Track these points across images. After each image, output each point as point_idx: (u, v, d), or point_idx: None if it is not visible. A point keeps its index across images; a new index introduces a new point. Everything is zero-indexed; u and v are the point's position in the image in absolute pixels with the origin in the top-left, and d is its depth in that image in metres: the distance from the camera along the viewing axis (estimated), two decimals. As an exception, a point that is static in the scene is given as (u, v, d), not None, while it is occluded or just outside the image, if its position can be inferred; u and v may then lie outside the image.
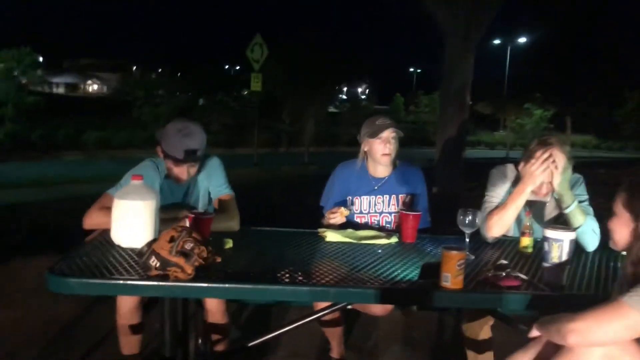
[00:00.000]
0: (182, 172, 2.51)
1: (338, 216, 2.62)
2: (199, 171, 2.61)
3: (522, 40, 31.23)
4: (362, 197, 2.83)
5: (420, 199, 2.84)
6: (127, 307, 2.46)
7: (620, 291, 1.66)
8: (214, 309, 2.56)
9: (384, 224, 2.82)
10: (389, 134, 2.75)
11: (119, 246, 2.11)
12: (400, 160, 2.90)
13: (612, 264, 2.24)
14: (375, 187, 2.83)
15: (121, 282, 1.79)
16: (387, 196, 2.81)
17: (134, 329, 2.51)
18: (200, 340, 2.68)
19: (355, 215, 2.84)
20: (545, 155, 2.36)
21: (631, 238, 1.71)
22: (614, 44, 23.34)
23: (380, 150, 2.77)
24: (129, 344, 2.55)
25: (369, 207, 2.83)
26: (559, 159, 2.36)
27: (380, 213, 2.82)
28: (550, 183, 2.38)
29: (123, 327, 2.51)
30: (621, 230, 1.75)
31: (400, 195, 2.81)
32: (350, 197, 2.85)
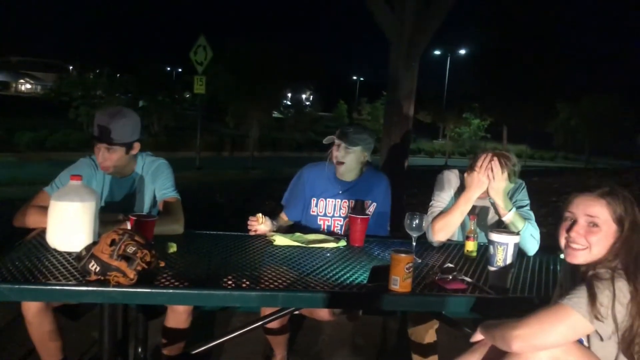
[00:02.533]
0: (99, 154, 2.43)
1: (255, 223, 2.56)
2: (144, 171, 2.52)
3: (462, 52, 32.33)
4: (327, 199, 2.83)
5: (382, 207, 2.84)
6: (32, 312, 2.24)
7: (560, 294, 1.71)
8: (180, 309, 2.38)
9: (346, 228, 2.80)
10: (337, 142, 2.77)
11: (55, 250, 2.00)
12: (369, 167, 2.92)
13: (551, 267, 2.31)
14: (340, 192, 2.83)
15: (58, 287, 1.69)
16: (352, 201, 2.80)
17: (48, 335, 2.30)
18: (140, 348, 2.58)
19: (319, 217, 2.83)
20: (487, 161, 2.43)
21: (613, 250, 1.70)
22: (547, 58, 24.52)
23: (334, 157, 2.80)
24: (47, 352, 2.35)
25: (333, 210, 2.83)
26: (497, 167, 2.42)
27: (345, 217, 2.81)
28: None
29: (35, 335, 2.29)
30: (605, 242, 1.72)
31: (366, 202, 2.81)
32: (315, 199, 2.84)
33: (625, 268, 1.64)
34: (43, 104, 28.08)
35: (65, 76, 28.14)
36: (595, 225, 1.72)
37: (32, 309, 2.25)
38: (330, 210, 2.83)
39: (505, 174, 2.45)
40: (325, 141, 2.87)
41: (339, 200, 2.82)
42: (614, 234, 1.71)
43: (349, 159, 2.77)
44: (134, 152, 2.51)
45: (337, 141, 2.78)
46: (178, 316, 2.40)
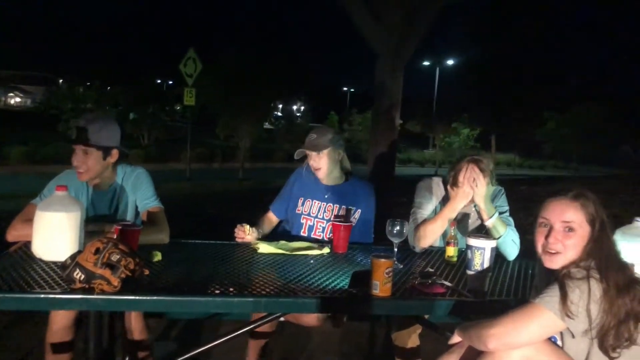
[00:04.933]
0: (76, 158, 2.43)
1: (241, 232, 2.62)
2: (125, 181, 2.55)
3: (451, 62, 32.63)
4: (313, 200, 2.90)
5: (366, 214, 2.90)
6: (60, 325, 2.34)
7: (534, 295, 1.77)
8: (133, 326, 2.47)
9: (328, 232, 2.86)
10: (309, 153, 2.85)
11: (40, 259, 2.03)
12: (354, 176, 3.00)
13: (530, 272, 2.36)
14: (326, 196, 2.89)
15: (42, 296, 1.72)
16: (337, 206, 2.87)
17: (64, 347, 2.37)
18: (127, 358, 2.60)
19: (303, 216, 2.89)
20: (469, 172, 2.50)
21: (586, 250, 1.76)
22: (536, 67, 24.80)
23: (311, 167, 2.87)
24: None
25: (318, 211, 2.89)
26: (479, 174, 2.49)
27: (328, 220, 2.87)
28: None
29: (53, 346, 2.36)
30: (579, 244, 1.78)
31: (349, 207, 2.88)
32: (302, 198, 2.91)
33: (597, 267, 1.70)
34: (33, 117, 27.98)
35: (55, 89, 28.09)
36: (571, 229, 1.78)
37: (60, 322, 2.33)
38: (314, 211, 2.89)
39: (488, 178, 2.52)
40: (296, 156, 2.94)
41: (324, 204, 2.88)
42: (587, 235, 1.77)
43: (323, 163, 2.84)
44: (111, 159, 2.51)
45: (306, 152, 2.85)
46: (132, 331, 2.48)
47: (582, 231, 1.78)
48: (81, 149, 2.44)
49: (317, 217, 2.88)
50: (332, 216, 2.85)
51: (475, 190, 2.49)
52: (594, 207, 1.78)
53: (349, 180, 2.95)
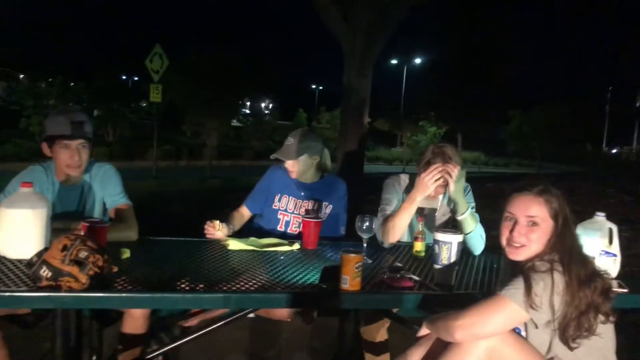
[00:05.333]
0: (73, 155, 2.40)
1: (212, 228, 2.63)
2: (92, 178, 2.52)
3: (418, 61, 33.00)
4: (290, 196, 2.94)
5: (337, 209, 2.96)
6: None
7: (500, 287, 1.82)
8: (137, 314, 2.35)
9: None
10: (282, 159, 2.88)
11: (4, 257, 1.99)
12: (330, 173, 3.08)
13: (495, 266, 2.42)
14: (302, 193, 2.94)
15: (7, 294, 1.69)
16: (313, 202, 2.92)
17: None
18: (94, 356, 2.56)
19: (280, 212, 2.93)
20: (437, 170, 2.50)
21: (549, 244, 1.82)
22: (500, 67, 25.31)
23: (286, 166, 2.91)
24: None
25: (294, 207, 2.93)
26: (454, 168, 2.51)
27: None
28: (442, 187, 2.55)
29: None
30: (542, 239, 1.84)
31: (324, 204, 2.94)
32: (279, 194, 2.94)
33: (561, 260, 1.76)
34: (-8, 113, 27.15)
35: (16, 85, 27.31)
36: (534, 224, 1.84)
37: None
38: (291, 207, 2.93)
39: (463, 172, 2.56)
40: (271, 157, 2.94)
41: (300, 200, 2.93)
42: (550, 229, 1.83)
43: (297, 167, 2.90)
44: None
45: (280, 158, 2.89)
46: (135, 321, 2.38)
47: (546, 226, 1.84)
48: (80, 143, 2.41)
49: (293, 213, 2.93)
50: (303, 212, 2.88)
51: (450, 184, 2.50)
52: (558, 203, 1.84)
53: (324, 177, 3.02)
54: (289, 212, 2.93)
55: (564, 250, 1.79)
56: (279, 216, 2.93)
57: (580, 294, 1.71)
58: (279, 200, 2.94)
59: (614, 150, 50.29)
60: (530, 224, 1.84)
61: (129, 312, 2.37)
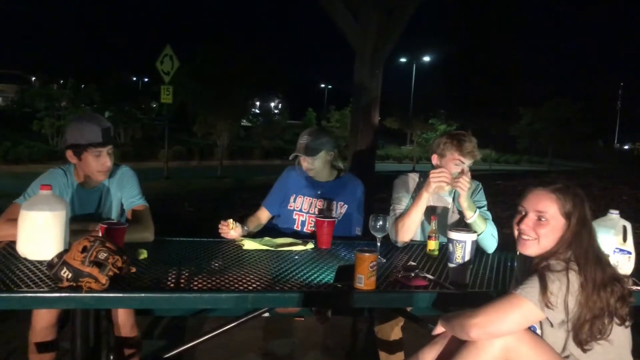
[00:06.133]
0: (105, 160, 2.47)
1: (226, 228, 2.64)
2: (110, 181, 2.56)
3: (427, 59, 32.89)
4: (305, 197, 2.97)
5: (352, 209, 2.97)
6: (43, 324, 2.35)
7: (515, 286, 1.82)
8: (123, 322, 2.49)
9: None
10: (302, 157, 2.92)
11: (25, 259, 2.02)
12: (348, 173, 3.11)
13: (509, 264, 2.43)
14: (318, 192, 2.97)
15: (30, 295, 1.72)
16: (324, 201, 2.95)
17: (48, 346, 2.39)
18: (112, 356, 2.60)
19: (295, 212, 2.96)
20: (445, 174, 2.54)
21: (561, 242, 1.83)
22: (510, 65, 25.17)
23: (303, 167, 2.95)
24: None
25: (309, 207, 2.96)
26: (466, 179, 2.51)
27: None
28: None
29: (37, 346, 2.37)
30: (553, 235, 1.84)
31: (340, 203, 2.96)
32: (294, 195, 2.97)
33: (577, 260, 1.76)
34: (4, 116, 27.40)
35: (28, 88, 27.54)
36: (543, 219, 1.85)
37: (43, 321, 2.35)
38: (306, 207, 2.96)
39: (473, 184, 2.59)
40: (290, 158, 3.00)
41: (315, 200, 2.96)
42: (562, 227, 1.84)
43: (316, 165, 2.93)
44: None
45: (300, 156, 2.92)
46: (122, 328, 2.50)
47: (556, 223, 1.84)
48: (110, 149, 2.49)
49: (308, 212, 2.95)
50: (337, 217, 2.89)
51: (461, 195, 2.53)
52: (573, 202, 1.84)
53: (340, 177, 3.05)
54: (304, 212, 2.96)
55: (580, 251, 1.79)
56: (294, 216, 2.96)
57: (594, 297, 1.70)
58: (294, 200, 2.97)
59: (626, 147, 49.87)
60: (539, 218, 1.85)
61: (116, 320, 2.50)
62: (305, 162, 2.93)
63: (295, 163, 3.02)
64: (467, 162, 2.63)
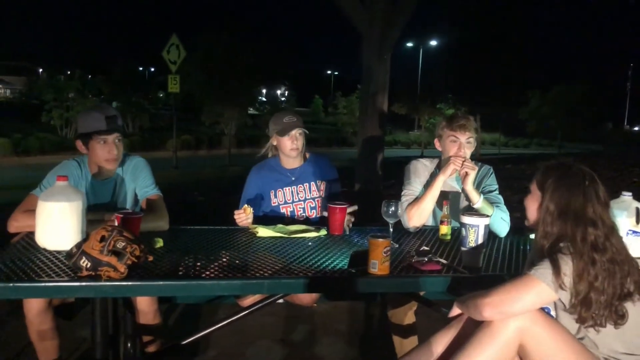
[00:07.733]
0: (111, 149, 2.49)
1: (243, 215, 2.66)
2: (124, 171, 2.59)
3: (434, 43, 32.65)
4: (283, 188, 2.98)
5: (333, 183, 3.05)
6: (34, 312, 2.34)
7: (529, 268, 1.84)
8: (146, 309, 2.53)
9: (309, 210, 2.98)
10: (296, 132, 2.93)
11: (44, 249, 2.06)
12: (311, 152, 3.13)
13: (522, 247, 2.44)
14: (293, 179, 2.99)
15: (51, 284, 1.76)
16: (307, 184, 2.99)
17: (47, 333, 2.40)
18: (129, 343, 2.64)
19: (281, 206, 2.97)
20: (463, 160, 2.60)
21: (538, 213, 1.89)
22: (518, 47, 24.91)
23: (289, 146, 2.95)
24: (46, 350, 2.45)
25: (292, 196, 2.98)
26: (472, 167, 2.58)
27: (304, 200, 2.98)
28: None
29: (35, 334, 2.39)
30: (532, 206, 1.94)
31: (318, 181, 3.01)
32: (273, 191, 2.97)
33: (582, 243, 1.76)
34: (13, 107, 27.58)
35: (35, 79, 27.65)
36: (529, 190, 1.95)
37: (34, 309, 2.34)
38: (289, 197, 2.98)
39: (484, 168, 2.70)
40: (299, 134, 2.96)
41: (294, 187, 2.99)
42: (537, 199, 1.90)
43: (301, 141, 2.97)
44: None
45: (299, 130, 2.94)
46: (145, 315, 2.54)
47: (535, 195, 1.92)
48: (116, 137, 2.50)
49: (293, 202, 2.98)
50: (320, 195, 2.97)
51: (467, 178, 2.57)
52: (554, 175, 1.86)
53: (308, 158, 3.08)
54: (289, 203, 2.97)
55: (582, 235, 1.77)
56: (282, 210, 2.97)
57: (606, 278, 1.71)
58: (275, 196, 2.97)
59: (636, 128, 49.42)
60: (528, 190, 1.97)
61: (139, 307, 2.52)
62: (296, 140, 2.93)
63: (269, 155, 3.08)
64: (462, 138, 2.68)
